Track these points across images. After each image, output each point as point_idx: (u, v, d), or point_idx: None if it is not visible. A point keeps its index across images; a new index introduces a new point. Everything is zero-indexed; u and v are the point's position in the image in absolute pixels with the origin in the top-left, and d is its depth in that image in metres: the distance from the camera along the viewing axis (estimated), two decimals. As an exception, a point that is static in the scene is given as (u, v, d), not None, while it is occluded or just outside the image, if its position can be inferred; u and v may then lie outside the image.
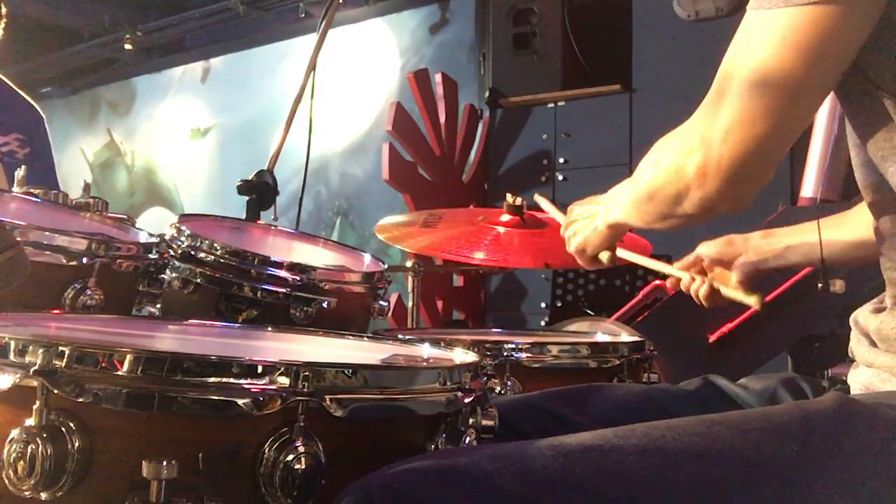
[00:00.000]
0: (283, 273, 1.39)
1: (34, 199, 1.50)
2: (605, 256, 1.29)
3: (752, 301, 1.28)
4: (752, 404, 1.05)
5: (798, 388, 1.05)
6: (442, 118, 4.13)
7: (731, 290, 1.32)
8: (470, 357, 0.95)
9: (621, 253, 1.51)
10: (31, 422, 0.67)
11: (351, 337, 1.15)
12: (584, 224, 1.24)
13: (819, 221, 1.19)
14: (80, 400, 0.68)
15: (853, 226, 1.21)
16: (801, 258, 1.30)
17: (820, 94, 0.84)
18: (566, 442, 0.74)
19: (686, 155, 0.89)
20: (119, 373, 0.69)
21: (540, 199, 1.65)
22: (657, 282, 2.64)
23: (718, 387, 1.09)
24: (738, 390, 1.07)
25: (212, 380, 0.70)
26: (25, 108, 2.61)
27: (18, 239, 1.09)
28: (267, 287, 1.38)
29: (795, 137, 0.86)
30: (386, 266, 1.67)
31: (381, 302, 1.56)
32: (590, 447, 0.74)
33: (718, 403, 1.07)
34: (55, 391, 0.68)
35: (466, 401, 0.81)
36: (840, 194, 2.63)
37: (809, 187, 2.73)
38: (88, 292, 1.27)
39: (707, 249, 1.38)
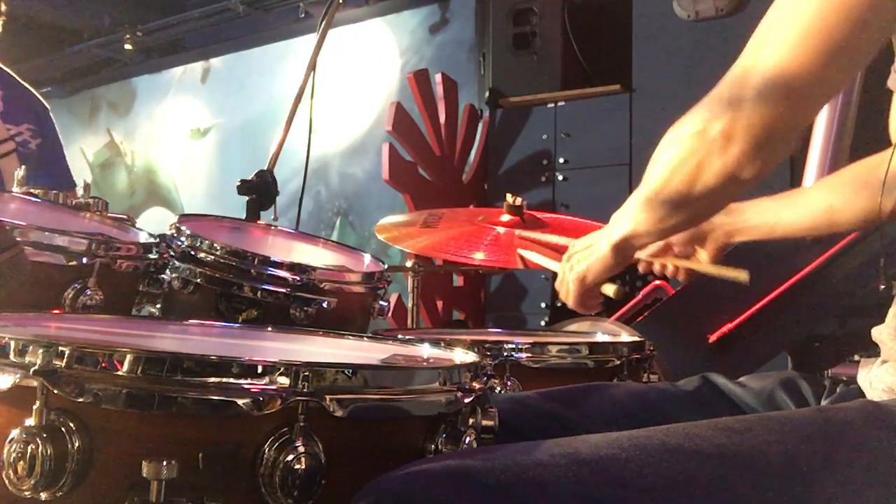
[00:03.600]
0: (283, 273, 1.39)
1: (34, 199, 1.50)
2: (610, 289, 1.16)
3: (742, 276, 1.33)
4: (751, 404, 1.05)
5: (797, 387, 1.05)
6: (442, 118, 4.13)
7: (714, 268, 1.36)
8: (470, 357, 0.95)
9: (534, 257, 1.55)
10: (31, 422, 0.67)
11: (351, 337, 1.15)
12: (585, 253, 1.13)
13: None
14: (80, 400, 0.68)
15: (810, 206, 1.28)
16: (762, 235, 1.35)
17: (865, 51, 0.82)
18: (581, 451, 0.72)
19: (709, 120, 0.86)
20: (119, 373, 0.69)
21: (524, 252, 1.61)
22: (657, 282, 2.64)
23: (717, 386, 1.09)
24: (736, 389, 1.07)
25: (212, 380, 0.70)
26: (33, 100, 2.62)
27: (18, 239, 1.09)
28: (267, 287, 1.38)
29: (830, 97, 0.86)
30: (386, 266, 1.67)
31: (381, 302, 1.56)
32: (605, 457, 0.72)
33: (717, 404, 1.07)
34: (55, 391, 0.68)
35: (466, 401, 0.81)
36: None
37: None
38: (88, 292, 1.27)
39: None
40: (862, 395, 0.96)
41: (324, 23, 2.08)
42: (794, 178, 3.09)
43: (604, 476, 0.70)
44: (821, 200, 1.27)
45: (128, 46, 6.76)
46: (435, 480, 0.68)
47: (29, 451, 0.66)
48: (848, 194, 1.22)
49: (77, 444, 0.68)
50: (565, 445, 0.73)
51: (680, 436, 0.75)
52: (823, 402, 1.01)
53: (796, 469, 0.74)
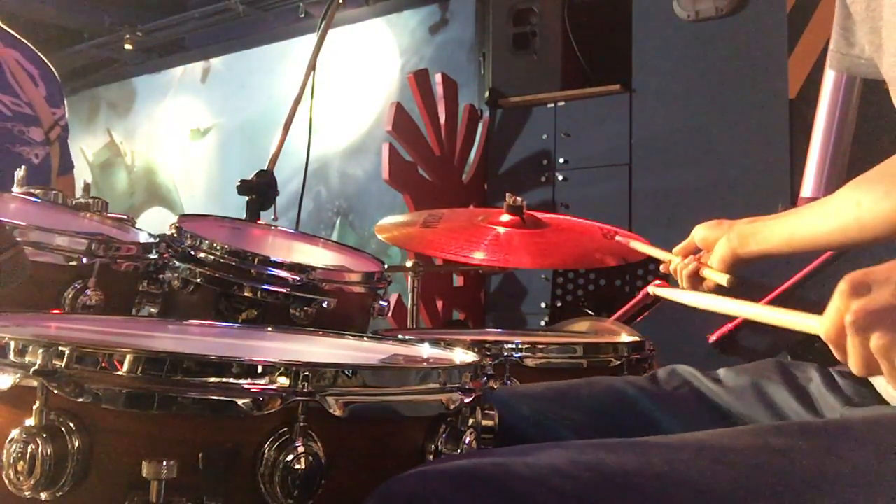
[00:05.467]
0: (283, 273, 1.39)
1: (34, 199, 1.50)
2: None
3: (723, 280, 1.29)
4: (728, 400, 1.05)
5: (775, 382, 1.04)
6: (442, 118, 4.13)
7: (706, 268, 1.33)
8: (470, 357, 0.95)
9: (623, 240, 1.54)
10: (31, 422, 0.67)
11: (351, 337, 1.15)
12: None
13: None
14: (80, 400, 0.68)
15: (838, 206, 1.11)
16: (782, 244, 1.25)
17: None
18: (606, 462, 0.69)
19: None
20: (119, 373, 0.69)
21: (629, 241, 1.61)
22: (657, 282, 2.64)
23: (692, 384, 1.09)
24: (712, 386, 1.08)
25: (212, 380, 0.70)
26: (56, 78, 2.60)
27: (18, 239, 1.09)
28: (267, 287, 1.38)
29: None
30: (386, 266, 1.67)
31: (381, 302, 1.56)
32: (631, 472, 0.68)
33: (695, 402, 1.07)
34: (55, 391, 0.68)
35: (466, 401, 0.81)
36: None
37: (809, 187, 2.73)
38: (88, 292, 1.27)
39: (698, 233, 1.39)
40: (877, 395, 0.95)
41: (324, 23, 2.09)
42: (793, 181, 3.09)
43: (630, 493, 0.67)
44: (848, 198, 1.09)
45: (128, 46, 6.76)
46: (450, 483, 0.66)
47: (29, 451, 0.66)
48: (879, 193, 1.02)
49: (77, 444, 0.68)
50: (590, 454, 0.70)
51: (715, 448, 0.72)
52: (843, 407, 0.98)
53: (835, 476, 0.71)
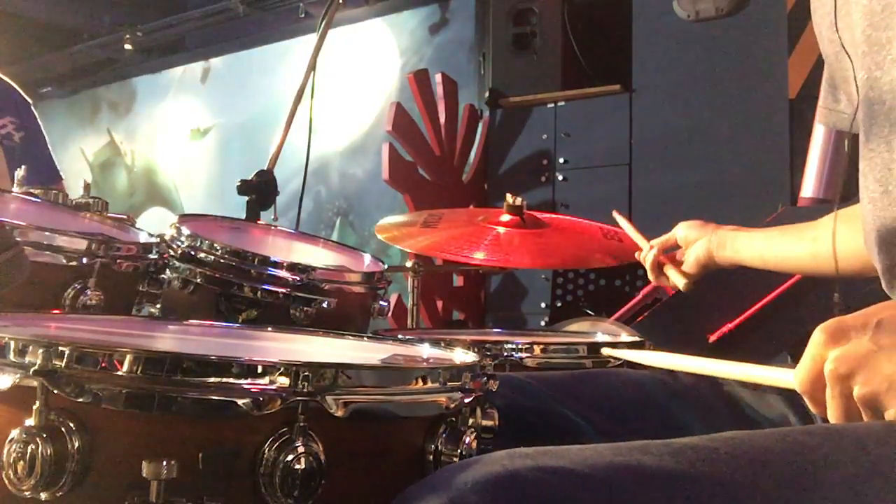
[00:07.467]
0: (283, 273, 1.39)
1: (34, 199, 1.50)
2: None
3: (681, 283, 1.35)
4: (747, 399, 1.05)
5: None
6: (442, 118, 4.13)
7: (670, 266, 1.38)
8: (470, 357, 0.95)
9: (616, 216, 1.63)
10: (31, 422, 0.67)
11: (351, 337, 1.15)
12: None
13: (835, 227, 1.09)
14: (80, 400, 0.68)
15: (818, 237, 1.17)
16: (755, 257, 1.30)
17: None
18: (646, 464, 0.66)
19: None
20: (119, 373, 0.69)
21: (619, 218, 1.66)
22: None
23: (716, 382, 1.09)
24: (734, 383, 1.07)
25: (212, 380, 0.70)
26: (12, 92, 2.60)
27: (18, 239, 1.09)
28: (267, 287, 1.38)
29: None
30: (386, 266, 1.67)
31: (381, 302, 1.56)
32: (672, 472, 0.65)
33: (715, 400, 1.07)
34: (55, 391, 0.68)
35: (466, 401, 0.81)
36: (840, 194, 2.63)
37: (809, 187, 2.73)
38: (88, 292, 1.27)
39: (680, 230, 1.42)
40: None
41: (324, 23, 2.09)
42: (793, 181, 3.09)
43: (672, 495, 0.64)
44: (830, 228, 1.11)
45: (128, 46, 6.77)
46: (488, 492, 0.62)
47: (29, 451, 0.66)
48: (859, 228, 1.00)
49: (77, 444, 0.67)
50: (626, 456, 0.67)
51: (747, 447, 0.69)
52: None
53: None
